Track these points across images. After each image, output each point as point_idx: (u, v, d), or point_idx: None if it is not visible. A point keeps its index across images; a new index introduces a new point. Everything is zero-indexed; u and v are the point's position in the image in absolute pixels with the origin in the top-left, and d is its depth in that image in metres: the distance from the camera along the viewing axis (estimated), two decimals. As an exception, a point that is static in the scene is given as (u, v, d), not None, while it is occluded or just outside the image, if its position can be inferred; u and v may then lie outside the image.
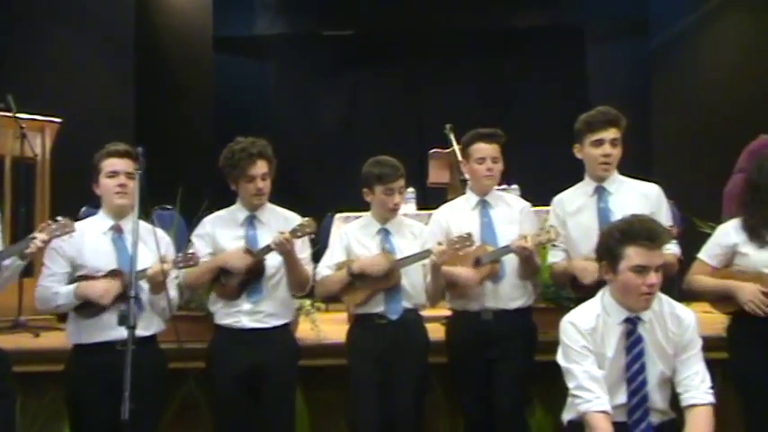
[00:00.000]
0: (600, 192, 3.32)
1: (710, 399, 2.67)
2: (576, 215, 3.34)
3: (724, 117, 6.69)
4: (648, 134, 7.38)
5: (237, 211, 3.43)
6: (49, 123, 4.88)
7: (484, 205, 3.48)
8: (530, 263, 3.31)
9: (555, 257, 3.41)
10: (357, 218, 3.74)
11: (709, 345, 2.78)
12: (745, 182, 3.18)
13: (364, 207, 3.56)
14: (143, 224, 3.03)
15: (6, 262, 3.08)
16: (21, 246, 3.09)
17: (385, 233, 3.45)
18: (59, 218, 3.13)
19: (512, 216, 3.45)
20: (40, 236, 3.05)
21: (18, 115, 4.50)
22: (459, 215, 3.50)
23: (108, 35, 6.40)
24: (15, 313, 4.28)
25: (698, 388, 2.67)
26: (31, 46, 6.12)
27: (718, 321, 3.35)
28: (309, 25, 8.33)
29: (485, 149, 3.41)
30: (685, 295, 3.22)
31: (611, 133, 3.26)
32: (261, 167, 3.32)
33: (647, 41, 7.99)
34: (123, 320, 2.74)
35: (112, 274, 3.14)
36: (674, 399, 2.74)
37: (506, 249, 3.28)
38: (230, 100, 7.69)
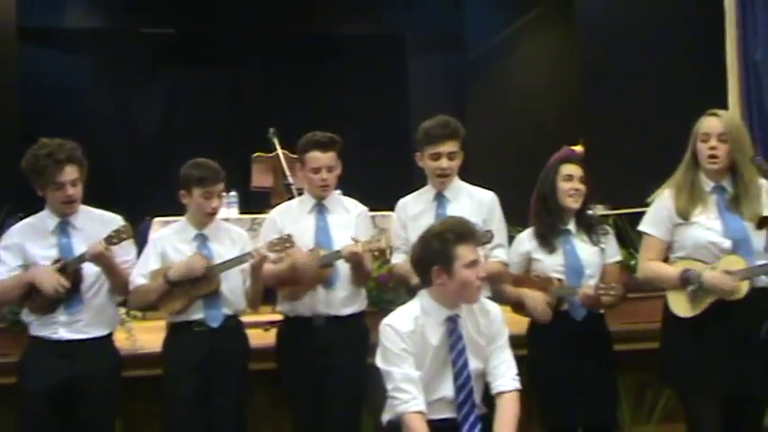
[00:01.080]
0: (439, 198, 3.39)
1: (517, 385, 2.82)
2: (417, 220, 3.37)
3: (533, 129, 7.15)
4: (464, 144, 7.73)
5: (47, 218, 3.19)
6: None
7: (320, 209, 3.42)
8: (361, 269, 3.30)
9: (397, 259, 3.46)
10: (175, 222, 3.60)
11: (515, 342, 2.94)
12: (535, 191, 3.36)
13: (184, 212, 3.44)
14: None
15: None
16: None
17: (202, 238, 3.33)
18: None
19: (348, 221, 3.42)
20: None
21: None
22: (294, 217, 3.43)
23: None
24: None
25: (505, 375, 2.82)
26: None
27: (523, 321, 3.56)
28: (127, 21, 7.97)
29: (320, 158, 3.34)
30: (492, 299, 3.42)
31: (448, 147, 3.31)
32: (70, 173, 3.09)
33: (465, 55, 8.39)
34: None
35: None
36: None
37: (338, 254, 3.25)
38: (38, 95, 7.17)
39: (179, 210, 3.44)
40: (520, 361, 2.91)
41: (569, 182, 3.24)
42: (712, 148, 2.96)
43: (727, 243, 2.92)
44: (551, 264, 3.23)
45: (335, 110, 7.78)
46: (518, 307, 3.31)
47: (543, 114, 7.21)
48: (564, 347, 3.17)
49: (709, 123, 3.01)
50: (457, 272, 2.74)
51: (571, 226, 3.27)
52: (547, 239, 3.25)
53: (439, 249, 2.77)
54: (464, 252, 2.73)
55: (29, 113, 6.62)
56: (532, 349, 3.29)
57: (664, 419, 3.81)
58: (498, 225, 3.36)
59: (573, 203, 3.24)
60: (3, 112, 6.39)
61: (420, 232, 3.22)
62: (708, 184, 3.01)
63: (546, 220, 3.28)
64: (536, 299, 3.20)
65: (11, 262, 3.13)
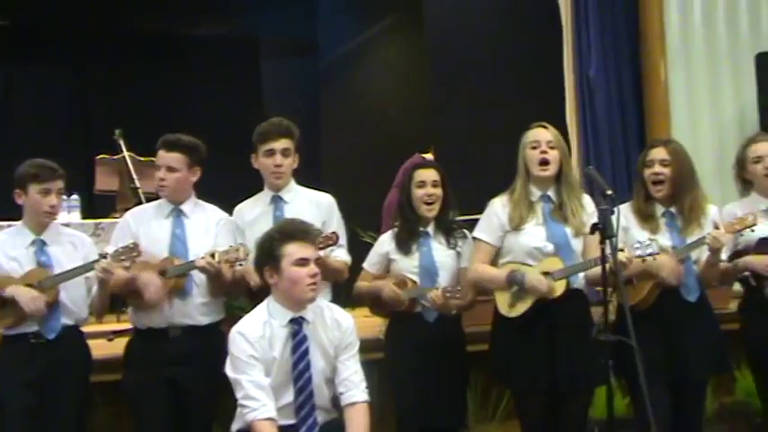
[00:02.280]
0: (276, 201, 3.37)
1: (366, 397, 2.86)
2: (254, 224, 3.33)
3: (384, 135, 7.29)
4: (317, 148, 7.77)
5: None
6: None
7: (178, 214, 3.29)
8: (218, 280, 3.19)
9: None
10: (9, 227, 3.36)
11: (368, 346, 2.99)
12: (400, 196, 3.47)
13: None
14: None
15: None
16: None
17: (40, 244, 3.14)
18: None
19: (207, 228, 3.30)
20: None
21: None
22: (149, 222, 3.29)
23: None
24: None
25: (357, 387, 2.85)
26: None
27: (376, 324, 3.62)
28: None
29: (161, 156, 3.25)
30: (352, 301, 3.45)
31: (281, 143, 3.31)
32: None
33: (318, 60, 8.43)
34: None
35: None
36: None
37: (191, 265, 3.14)
38: None
39: (14, 214, 3.22)
40: (374, 366, 2.95)
41: (422, 188, 3.34)
42: (543, 152, 3.15)
43: (549, 247, 3.12)
44: (407, 265, 3.33)
45: (186, 112, 7.59)
46: (375, 303, 3.36)
47: (395, 121, 7.37)
48: (418, 349, 3.25)
49: (538, 132, 3.21)
50: (284, 270, 2.76)
51: (430, 229, 3.37)
52: (404, 241, 3.35)
53: (267, 249, 2.80)
54: (291, 250, 2.75)
55: None
56: (388, 351, 3.36)
57: (506, 417, 3.96)
58: (338, 227, 3.38)
59: (426, 210, 3.33)
60: None
61: (258, 236, 3.22)
62: (535, 194, 3.20)
63: (405, 225, 3.38)
64: (392, 288, 3.28)
65: None
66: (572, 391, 3.08)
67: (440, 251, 3.34)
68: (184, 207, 3.31)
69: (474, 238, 3.29)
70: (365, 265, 3.47)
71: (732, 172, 3.49)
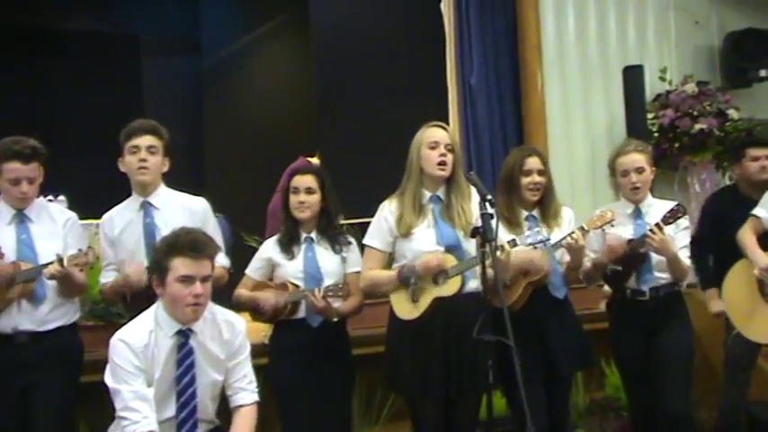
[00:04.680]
0: (145, 207, 3.27)
1: (256, 397, 2.84)
2: (124, 232, 3.26)
3: (270, 137, 7.22)
4: (201, 150, 7.60)
5: None
6: None
7: (21, 219, 3.16)
8: (69, 283, 3.10)
9: (107, 277, 3.31)
10: None
11: (254, 351, 2.96)
12: (282, 202, 3.41)
13: None
14: None
15: None
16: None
17: None
18: None
19: (55, 230, 3.20)
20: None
21: None
22: None
23: None
24: None
25: (245, 389, 2.83)
26: None
27: (260, 329, 3.58)
28: None
29: (19, 170, 3.09)
30: (233, 307, 3.40)
31: (146, 140, 3.22)
32: None
33: (201, 60, 8.25)
34: None
35: None
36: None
37: (39, 270, 3.03)
38: None
39: None
40: (258, 370, 2.93)
41: (296, 194, 3.32)
42: (443, 155, 3.16)
43: (441, 250, 3.13)
44: (292, 270, 3.29)
45: (62, 109, 7.25)
46: (255, 311, 3.32)
47: (281, 124, 7.32)
48: (302, 355, 3.23)
49: (437, 132, 3.20)
50: (168, 284, 2.67)
51: (314, 234, 3.35)
52: (287, 246, 3.32)
53: (155, 258, 2.72)
54: (176, 265, 2.66)
55: None
56: (272, 357, 3.33)
57: (390, 420, 4.01)
58: (213, 232, 3.30)
59: (299, 214, 3.31)
60: None
61: (128, 245, 3.15)
62: (426, 195, 3.21)
63: (286, 229, 3.35)
64: (269, 299, 3.24)
65: None
66: (461, 395, 3.11)
67: (325, 257, 3.33)
68: (28, 212, 3.19)
69: (364, 245, 3.28)
70: (248, 270, 3.41)
71: (604, 178, 3.69)
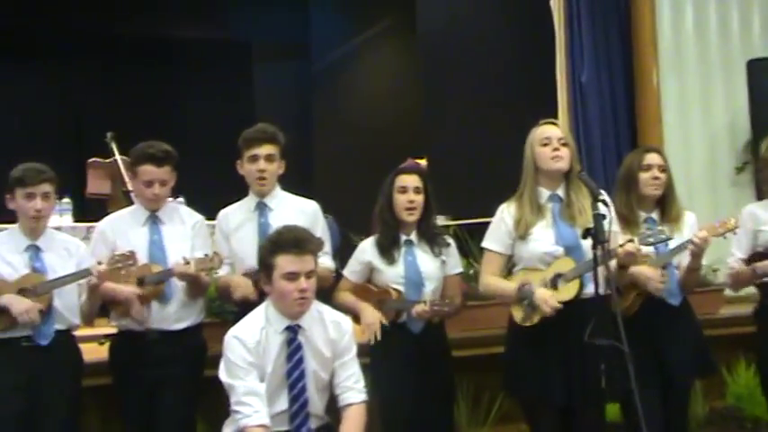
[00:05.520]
0: (261, 207, 3.35)
1: (364, 396, 2.86)
2: (238, 230, 3.34)
3: (377, 139, 7.29)
4: (310, 152, 7.76)
5: None
6: None
7: (154, 221, 3.29)
8: (196, 284, 3.22)
9: (222, 271, 3.36)
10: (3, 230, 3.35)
11: (360, 351, 2.98)
12: (384, 204, 3.36)
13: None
14: None
15: None
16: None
17: (35, 249, 3.13)
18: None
19: (184, 233, 3.30)
20: None
21: None
22: (125, 230, 3.28)
23: None
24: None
25: (353, 388, 2.84)
26: None
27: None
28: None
29: (152, 172, 3.22)
30: (335, 308, 3.43)
31: (265, 149, 3.29)
32: None
33: (310, 64, 8.43)
34: None
35: None
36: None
37: (169, 273, 3.15)
38: None
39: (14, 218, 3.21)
40: (364, 369, 2.95)
41: (404, 194, 3.28)
42: (556, 149, 3.06)
43: (559, 251, 3.02)
44: (392, 275, 3.26)
45: (178, 115, 7.58)
46: (356, 317, 3.31)
47: (387, 125, 7.37)
48: (403, 360, 3.20)
49: (548, 129, 3.11)
50: (275, 281, 2.73)
51: (413, 237, 3.32)
52: (387, 250, 3.28)
53: (262, 257, 2.79)
54: (281, 262, 2.71)
55: None
56: (373, 362, 3.30)
57: (498, 422, 3.96)
58: (322, 234, 3.35)
59: (407, 216, 3.28)
60: None
61: (243, 243, 3.20)
62: (544, 195, 3.10)
63: (386, 231, 3.32)
64: (372, 315, 3.21)
65: None
66: (585, 404, 2.97)
67: (425, 260, 3.28)
68: (160, 213, 3.31)
69: (483, 249, 3.20)
70: (346, 272, 3.40)
71: (724, 179, 3.51)
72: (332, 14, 8.22)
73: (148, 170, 3.22)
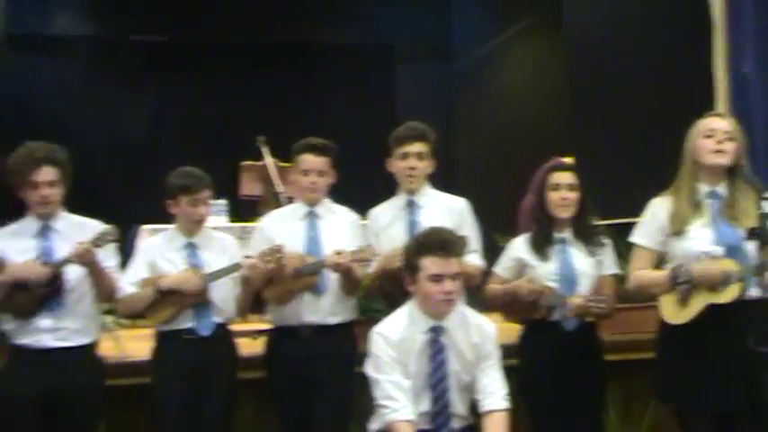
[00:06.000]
0: (411, 205, 3.39)
1: (506, 404, 2.82)
2: (388, 228, 3.38)
3: (520, 139, 7.16)
4: (453, 152, 7.75)
5: (29, 222, 3.17)
6: None
7: (312, 216, 3.40)
8: (348, 277, 3.28)
9: (372, 268, 3.46)
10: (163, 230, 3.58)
11: (505, 353, 2.94)
12: (535, 201, 3.35)
13: (172, 219, 3.42)
14: None
15: None
16: None
17: (192, 247, 3.32)
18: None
19: (340, 229, 3.39)
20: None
21: None
22: (284, 224, 3.41)
23: None
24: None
25: (495, 394, 2.82)
26: None
27: (512, 329, 3.55)
28: (116, 28, 7.96)
29: (310, 161, 3.34)
30: (486, 307, 3.40)
31: (416, 147, 3.34)
32: (47, 174, 3.08)
33: (452, 64, 8.42)
34: None
35: None
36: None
37: (321, 263, 3.23)
38: (26, 103, 7.15)
39: (167, 217, 3.42)
40: (509, 371, 2.91)
41: (557, 191, 3.24)
42: (719, 142, 2.89)
43: (719, 251, 2.85)
44: (545, 272, 3.22)
45: (324, 119, 7.78)
46: (509, 306, 3.27)
47: (532, 124, 7.23)
48: (554, 358, 3.16)
49: (714, 121, 2.95)
50: (420, 282, 2.74)
51: (567, 234, 3.26)
52: (541, 247, 3.25)
53: (407, 256, 2.80)
54: (427, 264, 2.72)
55: (16, 122, 6.59)
56: (523, 359, 3.28)
57: (652, 429, 3.81)
58: (471, 231, 3.36)
59: (562, 213, 3.23)
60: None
61: (392, 241, 3.22)
62: (702, 190, 2.95)
63: (540, 229, 3.28)
64: (529, 286, 3.16)
65: None
66: (749, 413, 2.79)
67: (579, 258, 3.23)
68: (318, 209, 3.41)
69: (632, 244, 3.09)
70: (496, 269, 3.39)
71: None
72: (474, 13, 8.18)
73: (306, 159, 3.34)
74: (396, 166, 3.39)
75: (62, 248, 3.11)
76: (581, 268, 3.22)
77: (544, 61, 7.37)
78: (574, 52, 6.09)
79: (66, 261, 3.06)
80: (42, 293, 3.05)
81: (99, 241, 3.09)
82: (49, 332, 3.08)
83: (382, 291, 3.36)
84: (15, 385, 3.07)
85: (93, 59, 7.91)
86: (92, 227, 3.20)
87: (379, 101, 8.19)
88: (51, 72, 7.88)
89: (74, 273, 3.11)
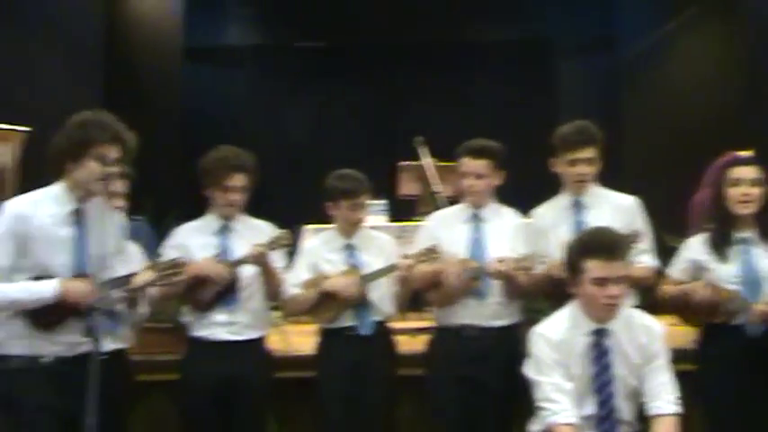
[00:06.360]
0: (577, 205, 3.31)
1: (676, 408, 2.69)
2: (553, 229, 3.31)
3: (693, 130, 6.78)
4: (619, 148, 7.45)
5: (211, 221, 3.37)
6: (16, 133, 4.80)
7: (476, 219, 3.38)
8: (510, 284, 3.24)
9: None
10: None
11: (678, 357, 2.80)
12: (712, 198, 3.18)
13: (332, 219, 3.52)
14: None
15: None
16: (122, 281, 2.91)
17: (350, 248, 3.41)
18: (173, 257, 3.08)
19: (505, 233, 3.35)
20: (144, 275, 2.94)
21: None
22: (449, 225, 3.42)
23: (77, 47, 6.32)
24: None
25: (663, 398, 2.69)
26: (2, 60, 6.02)
27: (686, 333, 3.37)
28: (281, 36, 8.33)
29: (467, 165, 3.33)
30: (658, 308, 3.24)
31: (586, 153, 3.22)
32: (238, 180, 3.27)
33: (617, 56, 8.10)
34: (91, 332, 2.60)
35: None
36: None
37: (483, 269, 3.21)
38: (199, 111, 7.66)
39: (327, 218, 3.53)
40: (683, 376, 2.76)
41: (737, 187, 3.05)
42: None
43: None
44: (725, 274, 3.05)
45: (481, 118, 7.73)
46: (685, 309, 3.11)
47: (703, 118, 6.82)
48: (736, 365, 2.98)
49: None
50: (583, 284, 2.65)
51: (750, 233, 3.07)
52: (720, 248, 3.08)
53: (570, 258, 2.72)
54: (590, 267, 2.64)
55: (191, 129, 7.06)
56: (701, 365, 3.11)
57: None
58: (642, 230, 3.22)
59: (743, 209, 3.04)
60: (167, 127, 6.85)
61: (557, 241, 3.14)
62: None
63: (718, 228, 3.10)
64: (707, 289, 2.98)
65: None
66: None
67: (764, 259, 3.02)
68: (484, 212, 3.38)
69: None
70: (670, 271, 3.24)
71: None
72: (637, 3, 7.84)
73: (464, 162, 3.34)
74: (563, 170, 3.30)
75: (238, 248, 3.29)
76: (766, 269, 3.01)
77: (717, 49, 6.93)
78: (752, 38, 5.67)
79: (243, 261, 3.24)
80: (219, 289, 3.24)
81: (274, 245, 3.25)
82: (223, 326, 3.27)
83: (545, 291, 3.29)
84: (195, 376, 3.27)
85: (260, 67, 8.33)
86: (265, 229, 3.38)
87: (539, 98, 8.04)
88: (223, 80, 8.38)
89: (247, 271, 3.29)
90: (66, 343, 2.79)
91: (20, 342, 2.78)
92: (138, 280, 2.92)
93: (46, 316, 2.78)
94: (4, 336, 2.82)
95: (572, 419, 2.64)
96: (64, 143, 2.88)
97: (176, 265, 3.02)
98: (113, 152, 2.86)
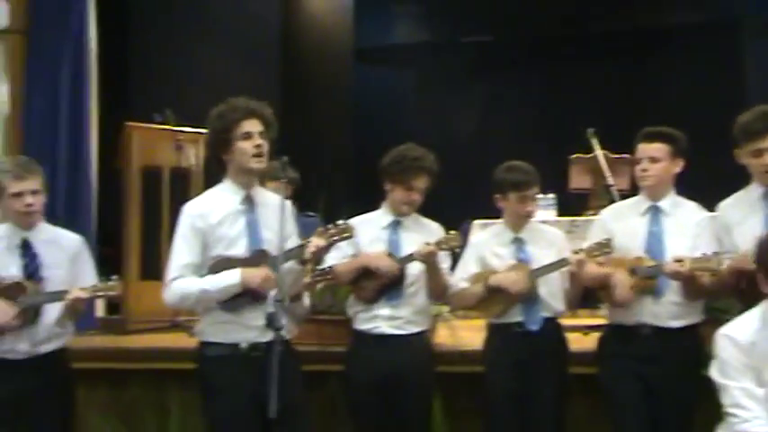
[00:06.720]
0: (652, 210, 3.18)
1: None
2: (742, 223, 3.09)
3: None
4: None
5: (383, 215, 3.45)
6: (202, 135, 5.13)
7: (655, 212, 3.23)
8: (689, 286, 3.07)
9: (722, 264, 3.18)
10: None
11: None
12: None
13: (499, 215, 3.49)
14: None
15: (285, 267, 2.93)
16: (297, 251, 3.01)
17: (519, 242, 3.37)
18: (339, 221, 3.10)
19: (686, 228, 3.19)
20: (316, 241, 3.00)
21: (175, 128, 4.80)
22: (625, 218, 3.30)
23: (255, 51, 6.69)
24: (172, 314, 4.44)
25: None
26: (185, 64, 6.49)
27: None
28: (448, 33, 8.36)
29: (641, 149, 3.20)
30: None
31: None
32: (423, 182, 3.33)
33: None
34: (272, 322, 2.71)
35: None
36: None
37: (659, 268, 3.06)
38: (370, 110, 7.84)
39: (496, 213, 3.49)
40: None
41: None
42: None
43: None
44: None
45: (661, 107, 7.36)
46: None
47: None
48: None
49: None
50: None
51: None
52: None
53: (762, 256, 2.55)
54: None
55: (362, 128, 7.25)
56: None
57: None
58: None
59: None
60: (339, 127, 7.09)
61: (747, 237, 2.92)
62: None
63: None
64: None
65: (346, 250, 3.38)
66: None
67: None
68: (662, 204, 3.23)
69: None
70: None
71: None
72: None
73: (639, 148, 3.22)
74: (749, 161, 3.07)
75: (407, 244, 3.35)
76: None
77: None
78: None
79: (411, 258, 3.29)
80: (385, 283, 3.31)
81: (443, 245, 3.28)
82: (386, 320, 3.33)
83: (735, 289, 3.07)
84: (359, 369, 3.36)
85: (427, 64, 8.40)
86: (435, 229, 3.42)
87: (724, 83, 7.51)
88: (392, 79, 8.54)
89: (413, 268, 3.33)
90: (257, 328, 2.92)
91: (219, 330, 3.00)
92: (311, 247, 2.99)
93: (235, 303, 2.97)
94: (204, 325, 3.06)
95: (764, 429, 2.46)
96: (212, 139, 3.11)
97: (345, 230, 3.08)
98: (254, 126, 3.03)
